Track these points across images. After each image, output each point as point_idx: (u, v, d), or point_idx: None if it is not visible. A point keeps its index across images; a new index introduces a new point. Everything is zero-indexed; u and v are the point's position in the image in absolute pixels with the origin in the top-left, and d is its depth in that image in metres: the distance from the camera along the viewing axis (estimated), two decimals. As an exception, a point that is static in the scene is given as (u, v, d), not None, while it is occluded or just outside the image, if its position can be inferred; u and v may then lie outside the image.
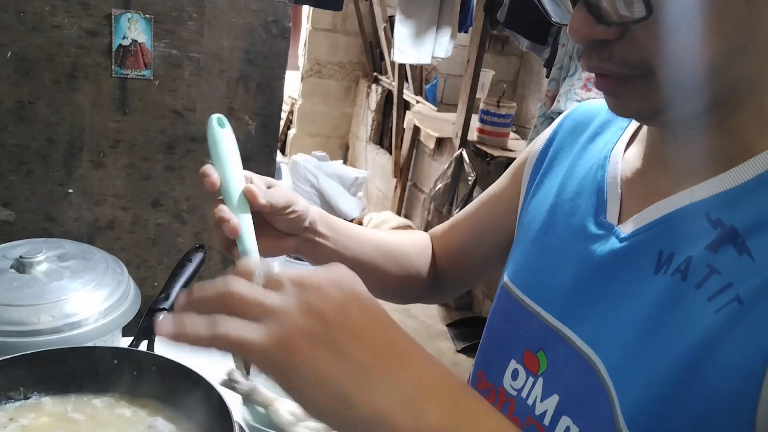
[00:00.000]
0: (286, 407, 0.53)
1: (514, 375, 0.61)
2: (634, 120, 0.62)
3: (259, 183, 0.62)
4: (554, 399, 0.56)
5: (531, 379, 0.59)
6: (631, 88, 0.49)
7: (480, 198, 0.81)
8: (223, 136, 0.60)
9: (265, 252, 0.65)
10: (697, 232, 0.48)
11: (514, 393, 0.61)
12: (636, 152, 0.59)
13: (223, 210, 0.58)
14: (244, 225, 0.57)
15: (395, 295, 0.85)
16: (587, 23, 0.47)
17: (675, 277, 0.48)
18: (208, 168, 0.60)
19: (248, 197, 0.59)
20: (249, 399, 0.53)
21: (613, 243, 0.54)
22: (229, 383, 0.54)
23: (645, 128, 0.59)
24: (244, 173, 0.62)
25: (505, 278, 0.67)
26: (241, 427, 0.81)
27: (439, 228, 0.87)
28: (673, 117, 0.50)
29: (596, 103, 0.71)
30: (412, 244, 0.83)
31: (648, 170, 0.56)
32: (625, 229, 0.54)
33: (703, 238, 0.48)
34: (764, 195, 0.47)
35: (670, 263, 0.49)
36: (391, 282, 0.80)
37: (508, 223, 0.74)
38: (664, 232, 0.50)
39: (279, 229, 0.67)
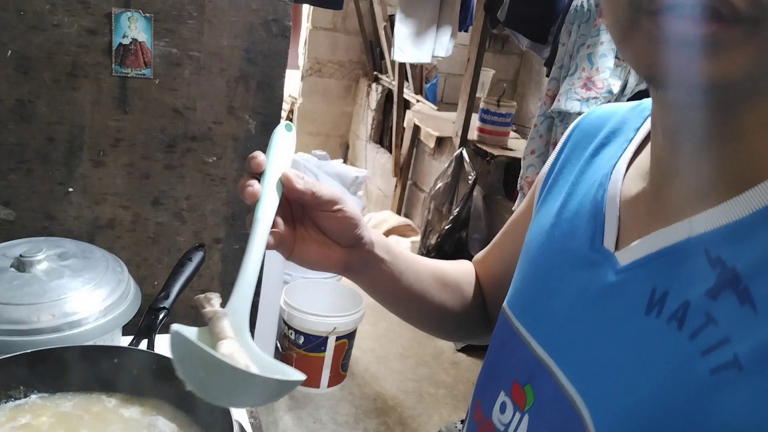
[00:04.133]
0: (229, 346, 0.51)
1: (503, 408, 0.58)
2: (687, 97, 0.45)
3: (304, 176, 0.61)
4: None
5: (518, 415, 0.55)
6: (734, 34, 0.36)
7: (507, 223, 0.76)
8: (282, 136, 0.63)
9: (313, 263, 0.64)
10: (695, 272, 0.43)
11: (502, 428, 0.57)
12: (640, 168, 0.53)
13: (251, 180, 0.58)
14: (266, 198, 0.58)
15: (452, 330, 0.80)
16: None
17: (671, 325, 0.43)
18: (258, 152, 0.60)
19: (284, 181, 0.59)
20: (209, 323, 0.53)
21: (608, 274, 0.49)
22: (202, 301, 0.54)
23: (650, 141, 0.53)
24: (296, 173, 0.61)
25: (505, 302, 0.63)
26: (241, 427, 0.81)
27: (479, 255, 0.81)
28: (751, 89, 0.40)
29: (608, 108, 0.65)
30: (463, 273, 0.78)
31: (650, 190, 0.51)
32: (622, 258, 0.49)
33: (701, 280, 0.42)
34: None
35: (663, 304, 0.44)
36: (448, 315, 0.75)
37: None
38: (660, 268, 0.45)
39: (328, 234, 0.63)
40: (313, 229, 0.64)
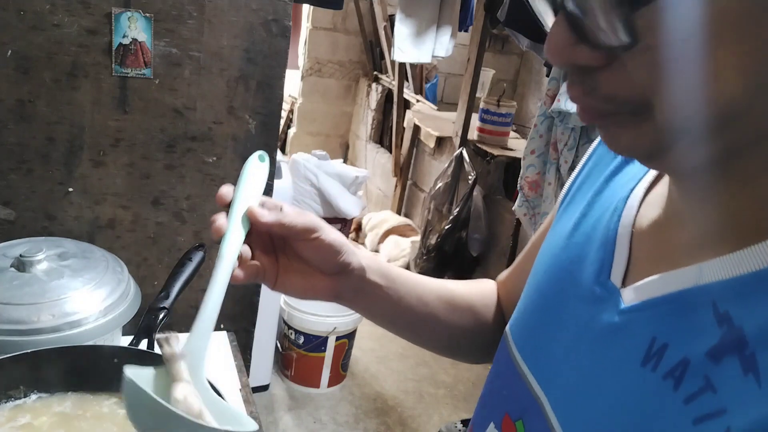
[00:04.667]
0: (183, 390, 0.52)
1: None
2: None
3: (272, 206, 0.60)
4: None
5: None
6: (621, 121, 0.39)
7: (529, 242, 0.72)
8: (253, 167, 0.63)
9: (299, 292, 0.63)
10: (699, 326, 0.39)
11: None
12: (658, 196, 0.49)
13: (218, 215, 0.58)
14: (231, 233, 0.58)
15: (469, 352, 0.77)
16: (567, 42, 0.37)
17: (667, 383, 0.39)
18: (225, 185, 0.60)
19: (249, 215, 0.58)
20: (166, 363, 0.54)
21: (611, 314, 0.46)
22: (162, 341, 0.55)
23: None
24: (267, 200, 0.61)
25: (507, 326, 0.60)
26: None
27: (502, 275, 0.78)
28: (681, 163, 0.40)
29: None
30: (479, 294, 0.75)
31: (664, 222, 0.47)
32: (626, 297, 0.46)
33: (705, 337, 0.39)
34: None
35: (661, 357, 0.41)
36: (462, 338, 0.72)
37: None
38: (663, 315, 0.42)
39: (310, 262, 0.61)
40: (295, 258, 0.62)
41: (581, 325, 0.49)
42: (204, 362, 0.55)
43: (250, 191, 0.61)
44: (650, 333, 0.42)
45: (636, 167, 0.54)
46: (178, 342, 0.55)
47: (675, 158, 0.40)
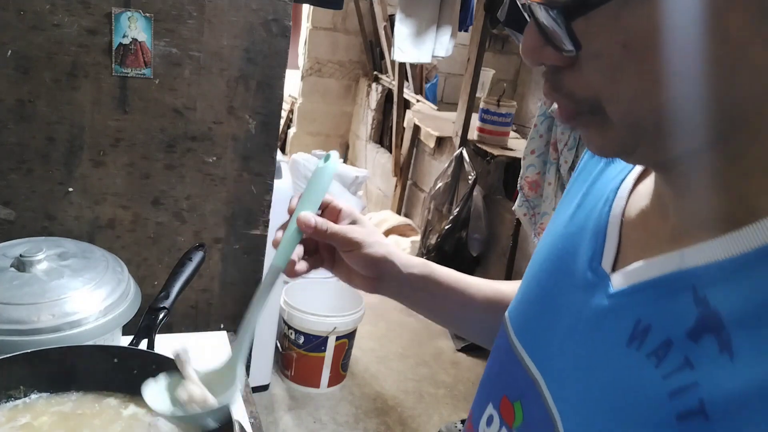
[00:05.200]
0: (185, 388, 0.63)
1: (489, 421, 0.58)
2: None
3: (332, 211, 0.69)
4: None
5: (505, 431, 0.55)
6: (587, 122, 0.43)
7: None
8: (319, 170, 0.70)
9: (345, 281, 0.72)
10: (680, 309, 0.41)
11: None
12: (646, 187, 0.52)
13: (277, 231, 0.67)
14: (285, 244, 0.64)
15: None
16: (537, 44, 0.42)
17: (650, 362, 0.42)
18: (294, 198, 0.69)
19: (298, 223, 0.65)
20: (180, 369, 0.66)
21: (602, 298, 0.48)
22: (176, 358, 0.67)
23: None
24: (330, 205, 0.69)
25: (507, 311, 0.63)
26: (241, 427, 0.81)
27: None
28: (655, 158, 0.44)
29: None
30: None
31: (651, 212, 0.50)
32: (615, 282, 0.48)
33: (685, 319, 0.41)
34: (763, 277, 0.38)
35: (645, 338, 0.43)
36: None
37: None
38: (646, 299, 0.44)
39: (352, 266, 0.69)
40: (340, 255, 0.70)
41: (575, 310, 0.51)
42: (241, 356, 0.65)
43: (311, 196, 0.68)
44: (635, 315, 0.44)
45: None
46: (187, 353, 0.67)
47: (647, 154, 0.43)
